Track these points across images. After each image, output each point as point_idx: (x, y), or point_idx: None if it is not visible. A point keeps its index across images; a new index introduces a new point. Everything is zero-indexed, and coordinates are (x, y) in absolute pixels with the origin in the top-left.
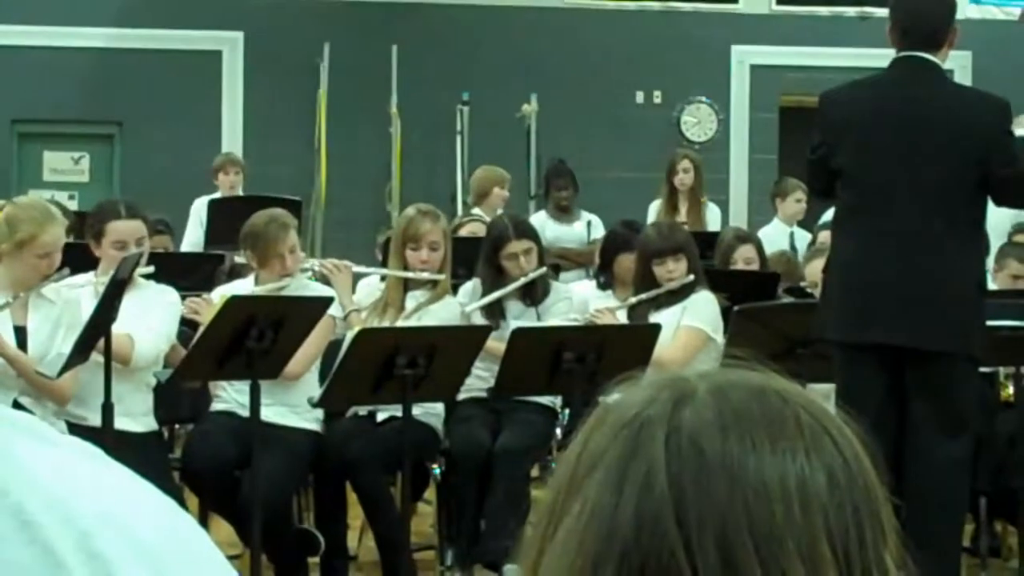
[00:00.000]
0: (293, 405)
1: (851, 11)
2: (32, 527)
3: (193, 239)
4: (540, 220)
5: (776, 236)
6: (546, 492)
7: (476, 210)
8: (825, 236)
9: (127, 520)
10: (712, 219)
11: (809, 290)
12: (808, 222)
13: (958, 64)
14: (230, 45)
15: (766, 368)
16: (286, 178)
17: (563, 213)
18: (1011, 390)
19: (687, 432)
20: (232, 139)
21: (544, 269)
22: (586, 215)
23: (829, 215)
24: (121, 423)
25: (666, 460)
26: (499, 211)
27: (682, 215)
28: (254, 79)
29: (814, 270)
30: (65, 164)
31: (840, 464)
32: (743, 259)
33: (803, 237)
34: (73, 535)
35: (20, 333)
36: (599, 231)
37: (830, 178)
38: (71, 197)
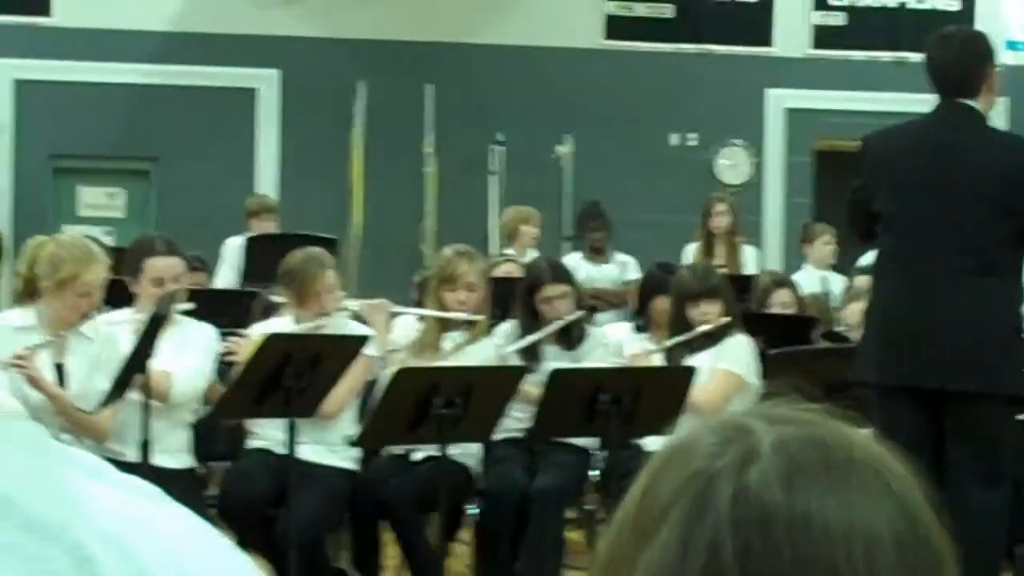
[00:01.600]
0: (330, 443)
1: (887, 56)
2: (90, 565)
3: (226, 280)
4: (574, 261)
5: (809, 281)
6: (604, 542)
7: (509, 250)
8: (862, 280)
9: (185, 560)
10: (748, 262)
11: (846, 334)
12: (843, 266)
13: (995, 110)
14: (266, 83)
15: (824, 411)
16: (320, 216)
17: (597, 254)
18: None
19: (754, 492)
20: (267, 176)
21: (581, 313)
22: (620, 256)
23: (866, 259)
24: (158, 459)
25: (732, 522)
26: (530, 249)
27: (718, 258)
28: (289, 117)
29: (852, 313)
30: (101, 199)
31: (905, 523)
32: (779, 303)
33: (837, 281)
34: (131, 574)
35: (59, 370)
36: (633, 272)
37: (869, 220)
38: (107, 233)
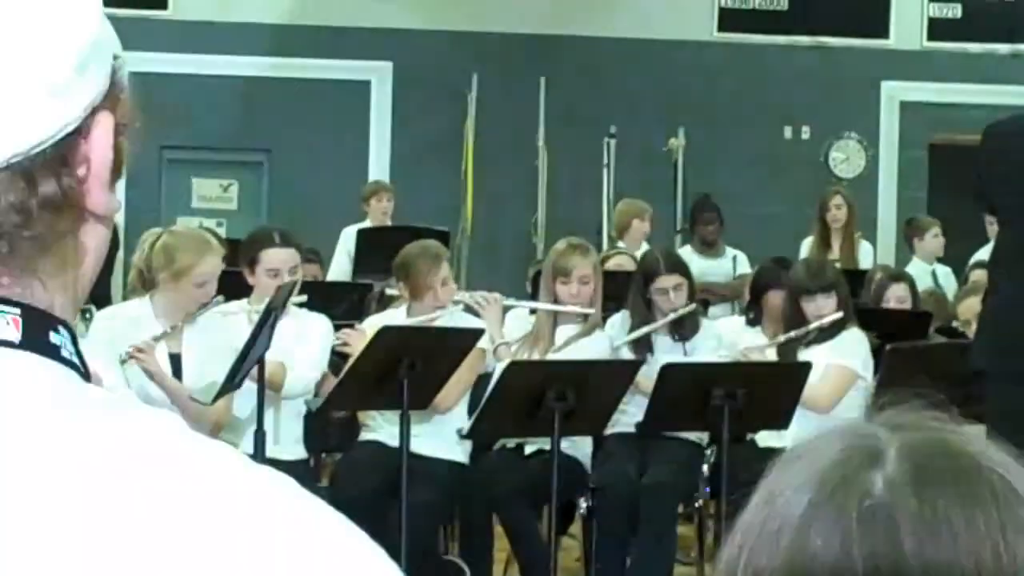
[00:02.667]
0: (442, 436)
1: (1003, 48)
2: None
3: (340, 269)
4: (686, 254)
5: (918, 275)
6: (727, 547)
7: (620, 243)
8: (978, 275)
9: (322, 549)
10: (865, 257)
11: (961, 329)
12: (949, 259)
13: None
14: (379, 75)
15: (939, 413)
16: (432, 208)
17: (709, 248)
18: None
19: (879, 498)
20: (379, 168)
21: (694, 305)
22: (731, 250)
23: (981, 254)
24: (271, 451)
25: (859, 528)
26: (642, 244)
27: (835, 252)
28: (402, 109)
29: (967, 308)
30: (213, 191)
31: None
32: (895, 298)
33: (945, 274)
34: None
35: (175, 361)
36: (744, 266)
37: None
38: (219, 224)
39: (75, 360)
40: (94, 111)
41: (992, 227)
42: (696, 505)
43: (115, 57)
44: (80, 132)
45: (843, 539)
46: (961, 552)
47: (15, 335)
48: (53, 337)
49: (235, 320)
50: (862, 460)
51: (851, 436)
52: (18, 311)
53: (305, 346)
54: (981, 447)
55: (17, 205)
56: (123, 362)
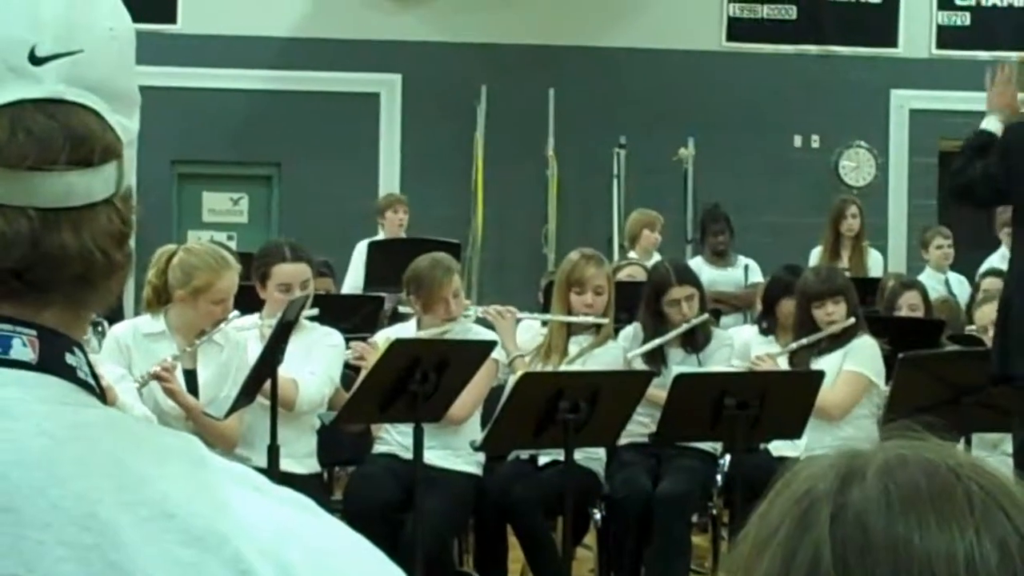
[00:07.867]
0: (455, 448)
1: (1012, 55)
2: None
3: (354, 282)
4: (696, 265)
5: (930, 283)
6: (727, 564)
7: (632, 254)
8: (989, 282)
9: (340, 571)
10: (874, 265)
11: (978, 336)
12: (961, 267)
13: None
14: (388, 87)
15: (936, 436)
16: (442, 220)
17: (719, 258)
18: None
19: (853, 511)
20: (389, 181)
21: (706, 316)
22: (743, 259)
23: (992, 261)
24: (285, 465)
25: (831, 539)
26: (653, 254)
27: (844, 261)
28: (412, 121)
29: (983, 315)
30: (224, 205)
31: (1014, 538)
32: (907, 305)
33: (957, 281)
34: None
35: (189, 376)
36: (756, 275)
37: (1000, 190)
38: (229, 238)
39: (91, 381)
40: None
41: (1005, 234)
42: (710, 515)
43: None
44: None
45: (816, 550)
46: (934, 568)
47: (32, 356)
48: (69, 358)
49: (247, 335)
50: (839, 476)
51: (837, 456)
52: (34, 332)
53: (316, 360)
54: (962, 460)
55: (115, 236)
56: (144, 384)
